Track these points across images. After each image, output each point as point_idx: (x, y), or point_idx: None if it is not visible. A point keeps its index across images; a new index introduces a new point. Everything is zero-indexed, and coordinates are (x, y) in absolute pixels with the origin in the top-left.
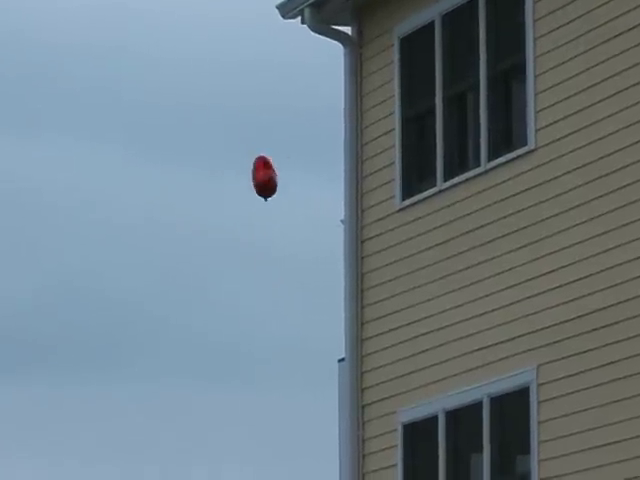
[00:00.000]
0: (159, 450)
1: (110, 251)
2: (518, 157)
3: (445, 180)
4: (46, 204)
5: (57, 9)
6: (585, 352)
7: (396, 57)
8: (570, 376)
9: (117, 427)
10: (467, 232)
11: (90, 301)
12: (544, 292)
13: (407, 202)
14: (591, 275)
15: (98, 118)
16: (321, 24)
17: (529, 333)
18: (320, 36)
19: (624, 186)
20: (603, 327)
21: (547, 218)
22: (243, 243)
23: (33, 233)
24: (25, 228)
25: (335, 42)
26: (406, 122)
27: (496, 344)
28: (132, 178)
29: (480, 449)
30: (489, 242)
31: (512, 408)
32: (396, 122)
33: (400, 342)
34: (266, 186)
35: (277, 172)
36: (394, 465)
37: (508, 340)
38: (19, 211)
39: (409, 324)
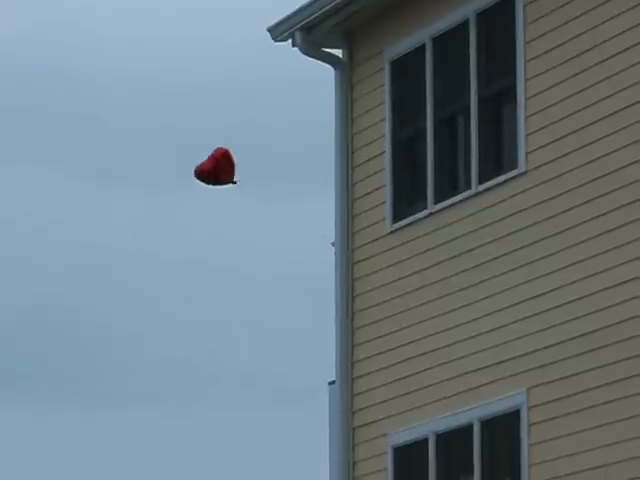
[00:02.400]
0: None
1: (75, 278)
2: (509, 180)
3: (436, 203)
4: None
5: None
6: (575, 375)
7: (387, 80)
8: (560, 399)
9: (87, 453)
10: (457, 255)
11: (50, 327)
12: (535, 315)
13: (398, 225)
14: (582, 297)
15: (41, 141)
16: (312, 47)
17: (519, 356)
18: (311, 59)
19: (615, 209)
20: (593, 350)
21: (538, 241)
22: (226, 265)
23: None
24: None
25: (326, 65)
26: (397, 145)
27: (486, 367)
28: (84, 203)
29: (471, 472)
30: (480, 265)
31: (502, 431)
32: (387, 145)
33: (391, 365)
34: (207, 173)
35: (231, 166)
36: None
37: (498, 363)
38: None
39: (400, 347)
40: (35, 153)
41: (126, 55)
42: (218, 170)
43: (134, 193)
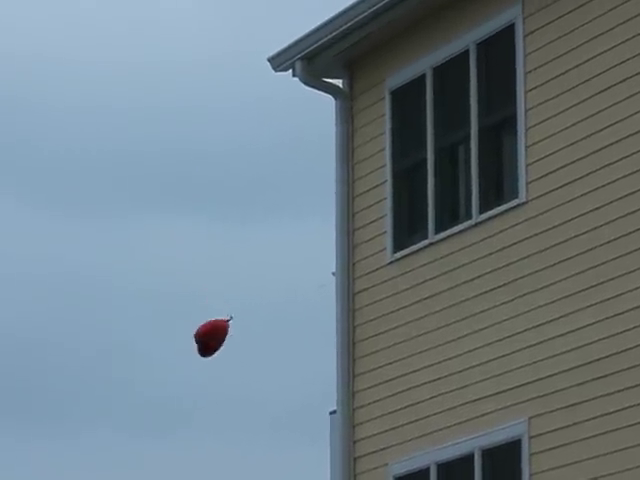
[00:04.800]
0: None
1: (36, 307)
2: (509, 209)
3: (436, 232)
4: None
5: None
6: (576, 404)
7: (387, 110)
8: (562, 428)
9: None
10: (458, 285)
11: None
12: (536, 344)
13: (398, 254)
14: (584, 327)
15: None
16: (312, 77)
17: (520, 385)
18: (311, 89)
19: (617, 238)
20: (594, 379)
21: (539, 270)
22: (219, 290)
23: None
24: None
25: (326, 95)
26: (397, 174)
27: (487, 396)
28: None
29: None
30: (480, 294)
31: (504, 461)
32: (387, 174)
33: (392, 395)
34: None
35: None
36: None
37: (499, 392)
38: None
39: (400, 377)
40: None
41: (95, 79)
42: (211, 344)
43: (92, 221)
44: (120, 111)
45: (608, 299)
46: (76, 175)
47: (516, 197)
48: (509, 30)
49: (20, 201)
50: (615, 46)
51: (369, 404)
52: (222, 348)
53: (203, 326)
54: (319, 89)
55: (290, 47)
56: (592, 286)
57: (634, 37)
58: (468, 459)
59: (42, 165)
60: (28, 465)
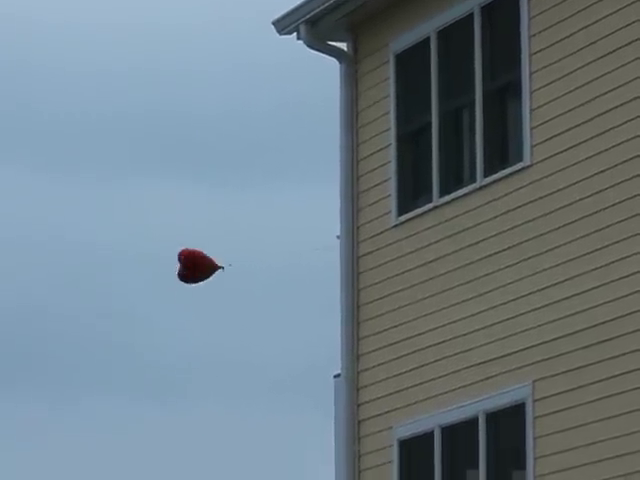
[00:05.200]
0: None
1: (39, 273)
2: (514, 173)
3: (441, 196)
4: None
5: None
6: (580, 368)
7: (392, 73)
8: (566, 392)
9: (59, 446)
10: (463, 248)
11: (18, 317)
12: (540, 308)
13: (403, 218)
14: (589, 290)
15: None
16: (317, 40)
17: (525, 349)
18: (316, 52)
19: (621, 201)
20: (599, 343)
21: (543, 234)
22: (222, 257)
23: None
24: None
25: (331, 58)
26: (402, 138)
27: (492, 360)
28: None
29: (476, 465)
30: (485, 258)
31: (508, 424)
32: (392, 138)
33: (396, 358)
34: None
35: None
36: None
37: (504, 356)
38: None
39: (405, 340)
40: None
41: (93, 41)
42: (193, 270)
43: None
44: (120, 74)
45: (613, 262)
46: (75, 139)
47: (520, 160)
48: None
49: (20, 165)
50: (621, 9)
51: (373, 367)
52: (202, 284)
53: (192, 250)
54: (323, 52)
55: (294, 10)
56: (597, 249)
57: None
58: (472, 422)
59: (42, 129)
60: (28, 430)
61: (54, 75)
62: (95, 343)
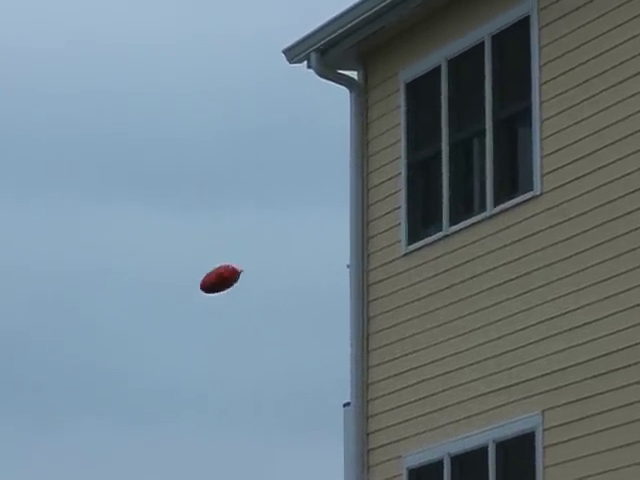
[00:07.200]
0: None
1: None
2: (524, 202)
3: (451, 225)
4: None
5: None
6: (591, 397)
7: (402, 102)
8: (575, 421)
9: (42, 471)
10: (472, 277)
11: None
12: (550, 337)
13: (413, 247)
14: (598, 320)
15: None
16: (327, 69)
17: (534, 378)
18: (326, 80)
19: (630, 231)
20: (609, 372)
21: (553, 263)
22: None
23: None
24: None
25: (341, 87)
26: (412, 167)
27: (501, 389)
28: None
29: None
30: (495, 287)
31: (517, 453)
32: (402, 167)
33: (406, 387)
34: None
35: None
36: None
37: (513, 385)
38: None
39: (414, 369)
40: None
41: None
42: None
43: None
44: (119, 96)
45: (622, 292)
46: (57, 160)
47: (531, 189)
48: (524, 22)
49: None
50: (630, 39)
51: (383, 396)
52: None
53: (210, 277)
54: (334, 81)
55: (305, 39)
56: (606, 279)
57: None
58: (482, 452)
59: (20, 154)
60: (11, 455)
61: (18, 99)
62: (78, 369)
